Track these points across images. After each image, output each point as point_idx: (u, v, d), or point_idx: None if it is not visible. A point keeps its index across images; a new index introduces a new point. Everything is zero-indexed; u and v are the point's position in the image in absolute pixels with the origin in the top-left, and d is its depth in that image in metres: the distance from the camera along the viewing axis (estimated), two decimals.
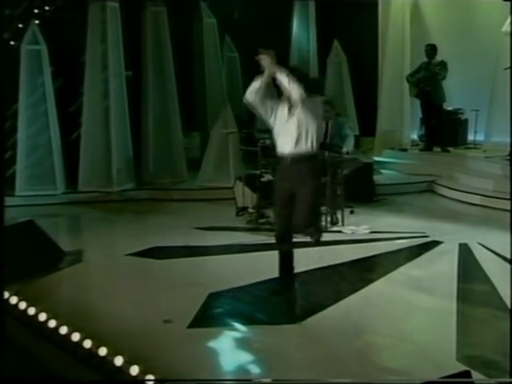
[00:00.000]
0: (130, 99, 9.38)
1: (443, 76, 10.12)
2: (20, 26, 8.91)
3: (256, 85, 4.90)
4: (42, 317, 4.36)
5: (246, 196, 8.02)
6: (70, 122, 9.22)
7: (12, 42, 8.92)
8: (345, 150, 7.41)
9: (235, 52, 11.44)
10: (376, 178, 9.18)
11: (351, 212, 7.88)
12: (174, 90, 9.73)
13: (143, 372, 3.55)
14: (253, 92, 4.92)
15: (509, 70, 8.97)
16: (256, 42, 10.72)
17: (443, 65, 10.19)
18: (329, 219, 7.36)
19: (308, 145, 4.83)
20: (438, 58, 10.25)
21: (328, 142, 7.46)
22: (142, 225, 8.21)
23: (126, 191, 9.07)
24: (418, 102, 10.91)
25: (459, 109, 10.62)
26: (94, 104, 9.12)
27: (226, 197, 8.54)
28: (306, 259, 6.15)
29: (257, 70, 11.07)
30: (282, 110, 4.92)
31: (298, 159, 4.82)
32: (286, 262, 5.09)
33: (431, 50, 10.31)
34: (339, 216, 7.50)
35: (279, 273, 5.12)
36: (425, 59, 10.35)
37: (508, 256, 6.00)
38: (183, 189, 9.17)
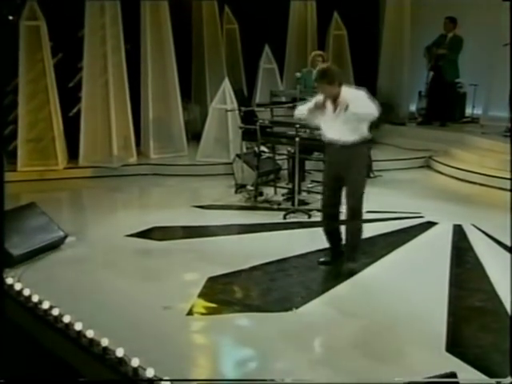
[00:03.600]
0: (130, 73, 9.37)
1: (450, 55, 10.05)
2: (18, 1, 8.86)
3: (305, 108, 5.39)
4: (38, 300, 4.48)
5: (244, 173, 8.14)
6: (70, 96, 9.25)
7: (11, 17, 8.89)
8: None
9: (235, 24, 11.38)
10: (373, 152, 9.22)
11: None
12: (174, 64, 9.69)
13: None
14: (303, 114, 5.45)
15: (508, 46, 8.99)
16: (256, 13, 10.83)
17: (455, 41, 10.09)
18: None
19: (353, 136, 5.19)
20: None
21: None
22: (141, 201, 8.37)
23: (127, 166, 9.15)
24: (417, 75, 10.97)
25: (458, 83, 10.63)
26: (93, 79, 9.13)
27: (225, 172, 8.69)
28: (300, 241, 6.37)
29: (257, 42, 10.96)
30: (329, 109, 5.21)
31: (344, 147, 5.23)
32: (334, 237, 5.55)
33: (450, 22, 10.17)
34: None
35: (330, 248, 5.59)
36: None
37: (499, 237, 6.17)
38: (183, 164, 9.25)
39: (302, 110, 5.47)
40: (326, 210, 5.54)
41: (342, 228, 5.51)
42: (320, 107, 5.18)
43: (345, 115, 5.07)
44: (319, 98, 5.24)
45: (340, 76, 5.20)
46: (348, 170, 5.24)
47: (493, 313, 4.59)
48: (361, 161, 5.34)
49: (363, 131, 5.23)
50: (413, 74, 11.08)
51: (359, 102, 5.03)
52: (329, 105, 5.18)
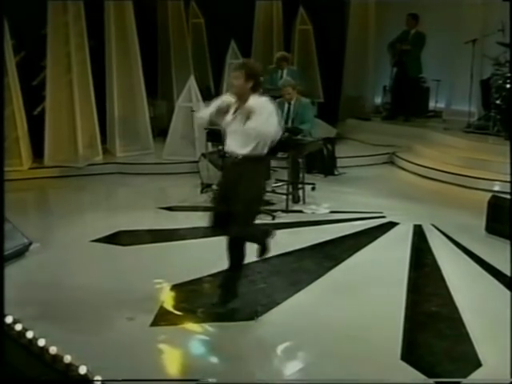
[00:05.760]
0: (94, 70, 9.31)
1: (413, 51, 10.17)
2: None
3: (208, 111, 4.80)
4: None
5: (210, 172, 8.19)
6: (34, 95, 9.16)
7: None
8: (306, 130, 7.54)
9: (201, 18, 11.35)
10: (338, 148, 9.34)
11: (313, 189, 8.11)
12: (139, 59, 9.66)
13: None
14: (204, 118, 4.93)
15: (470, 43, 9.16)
16: (222, 7, 10.82)
17: (418, 37, 10.21)
18: (290, 197, 7.59)
19: (248, 150, 4.59)
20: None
21: (290, 125, 7.58)
22: (107, 202, 8.35)
23: (93, 165, 9.12)
24: (382, 70, 11.10)
25: (421, 78, 10.79)
26: (57, 77, 9.05)
27: (191, 170, 8.74)
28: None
29: (223, 36, 10.95)
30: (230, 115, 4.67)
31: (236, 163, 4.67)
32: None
33: (412, 19, 10.30)
34: (301, 194, 7.73)
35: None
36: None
37: (457, 237, 6.34)
38: (149, 163, 9.26)
39: (204, 113, 4.88)
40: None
41: None
42: (224, 110, 4.62)
43: (243, 127, 4.52)
44: (226, 99, 4.69)
45: (259, 79, 4.57)
46: (235, 190, 4.59)
47: (447, 319, 4.73)
48: (251, 181, 4.60)
49: (260, 148, 4.58)
50: (378, 68, 11.24)
51: (262, 117, 4.44)
52: (232, 110, 4.62)
